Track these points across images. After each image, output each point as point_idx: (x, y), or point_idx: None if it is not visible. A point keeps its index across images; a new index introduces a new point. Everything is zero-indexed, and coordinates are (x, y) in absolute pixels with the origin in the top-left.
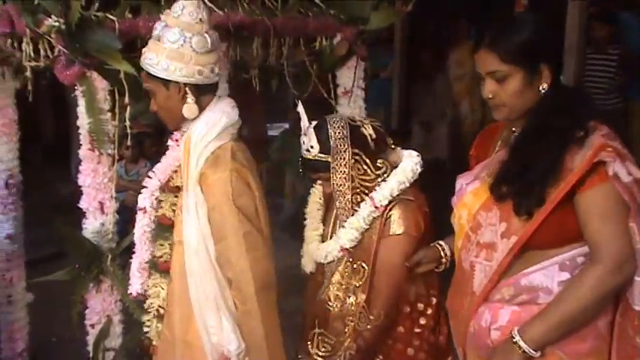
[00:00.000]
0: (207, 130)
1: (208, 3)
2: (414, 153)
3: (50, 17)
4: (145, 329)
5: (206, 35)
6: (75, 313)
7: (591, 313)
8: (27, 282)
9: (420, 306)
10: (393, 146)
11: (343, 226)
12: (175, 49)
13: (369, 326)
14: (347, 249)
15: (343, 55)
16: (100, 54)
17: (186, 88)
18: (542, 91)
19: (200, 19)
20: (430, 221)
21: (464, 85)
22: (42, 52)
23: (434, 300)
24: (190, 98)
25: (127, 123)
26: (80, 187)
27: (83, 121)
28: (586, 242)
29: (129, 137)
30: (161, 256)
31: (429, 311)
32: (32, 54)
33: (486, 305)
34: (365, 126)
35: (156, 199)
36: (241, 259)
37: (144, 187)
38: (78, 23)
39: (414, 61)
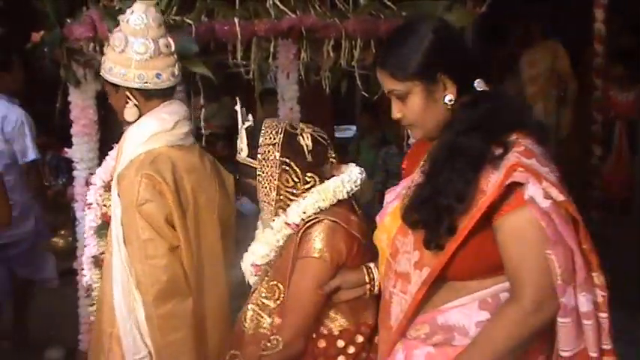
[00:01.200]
0: (138, 134)
1: (281, 6)
2: (356, 170)
3: None
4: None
5: (149, 41)
6: None
7: (510, 359)
8: None
9: (341, 343)
10: (333, 160)
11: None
12: (118, 53)
13: (265, 352)
14: (257, 265)
15: None
16: (177, 56)
17: (127, 92)
18: (450, 104)
19: (145, 25)
20: (360, 247)
21: (537, 87)
22: None
23: (360, 338)
24: (132, 102)
25: (202, 124)
26: None
27: None
28: None
29: (203, 138)
30: (102, 252)
31: (351, 350)
32: None
33: (403, 342)
34: (304, 135)
35: (100, 196)
36: (140, 265)
37: None
38: None
39: (485, 62)
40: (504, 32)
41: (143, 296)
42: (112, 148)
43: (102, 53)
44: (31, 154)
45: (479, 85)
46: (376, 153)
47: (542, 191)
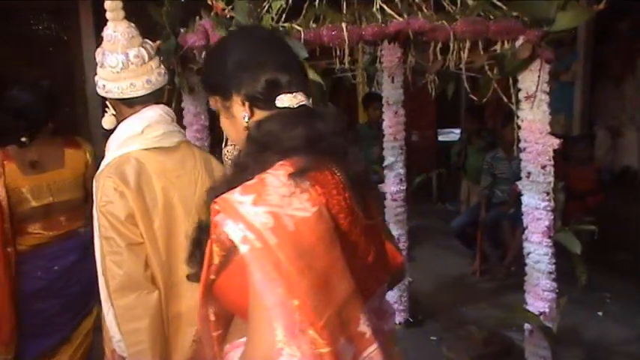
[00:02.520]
0: (114, 140)
1: (388, 9)
2: None
3: None
4: None
5: (119, 54)
6: None
7: None
8: None
9: None
10: None
11: None
12: (100, 67)
13: None
14: None
15: (526, 58)
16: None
17: (110, 102)
18: (245, 122)
19: (115, 39)
20: None
21: None
22: None
23: None
24: (110, 111)
25: None
26: None
27: None
28: None
29: None
30: None
31: None
32: None
33: None
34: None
35: None
36: (103, 260)
37: None
38: None
39: (600, 62)
40: (623, 30)
41: (106, 288)
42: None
43: None
44: None
45: (280, 102)
46: (483, 157)
47: (241, 233)
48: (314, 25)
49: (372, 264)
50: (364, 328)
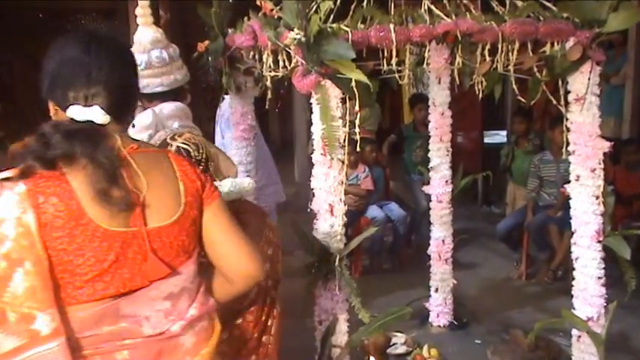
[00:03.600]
0: (130, 128)
1: (436, 10)
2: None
3: (292, 30)
4: None
5: (141, 54)
6: (304, 308)
7: None
8: None
9: None
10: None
11: None
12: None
13: None
14: None
15: (576, 60)
16: (335, 63)
17: None
18: None
19: (140, 42)
20: None
21: None
22: (280, 63)
23: None
24: None
25: (357, 129)
26: (303, 188)
27: (317, 127)
28: None
29: (358, 143)
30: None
31: None
32: (271, 65)
33: None
34: (172, 144)
35: None
36: None
37: (367, 190)
38: (316, 35)
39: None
40: None
41: None
42: None
43: (260, 61)
44: None
45: (71, 113)
46: (530, 160)
47: None
48: (362, 26)
49: (111, 269)
50: (41, 326)
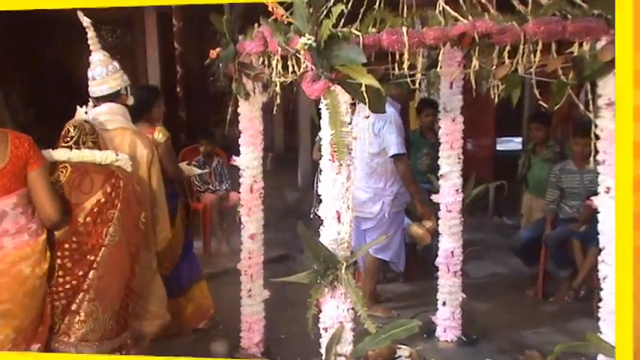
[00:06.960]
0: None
1: (451, 11)
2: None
3: (302, 36)
4: None
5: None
6: (310, 314)
7: None
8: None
9: None
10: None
11: None
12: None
13: None
14: None
15: (609, 62)
16: (345, 68)
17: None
18: None
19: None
20: None
21: None
22: (289, 69)
23: None
24: (90, 103)
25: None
26: (306, 194)
27: (326, 132)
28: None
29: None
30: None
31: None
32: (280, 70)
33: None
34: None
35: None
36: None
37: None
38: (327, 40)
39: None
40: None
41: None
42: None
43: (269, 67)
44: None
45: None
46: (548, 168)
47: None
48: (373, 30)
49: None
50: None
